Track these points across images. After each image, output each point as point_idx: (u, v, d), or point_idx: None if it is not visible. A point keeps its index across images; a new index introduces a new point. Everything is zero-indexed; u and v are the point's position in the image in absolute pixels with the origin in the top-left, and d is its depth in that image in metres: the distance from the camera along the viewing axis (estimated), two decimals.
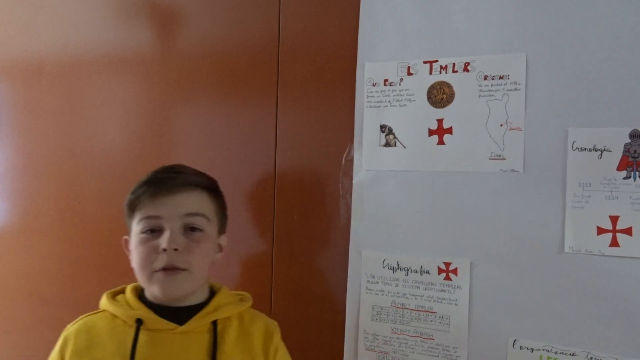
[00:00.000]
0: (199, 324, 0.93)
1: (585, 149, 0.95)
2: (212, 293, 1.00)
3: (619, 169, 0.93)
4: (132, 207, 0.94)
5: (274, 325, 1.00)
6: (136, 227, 0.93)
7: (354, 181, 1.12)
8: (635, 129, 0.92)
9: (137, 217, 0.93)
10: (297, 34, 1.18)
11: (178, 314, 0.92)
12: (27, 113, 1.51)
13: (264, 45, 1.21)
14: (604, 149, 0.93)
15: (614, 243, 0.93)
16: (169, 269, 0.89)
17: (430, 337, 1.06)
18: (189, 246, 0.91)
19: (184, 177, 0.94)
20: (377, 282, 1.10)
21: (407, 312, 1.08)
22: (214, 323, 0.94)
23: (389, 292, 1.09)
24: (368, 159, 1.11)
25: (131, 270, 1.34)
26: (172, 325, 0.91)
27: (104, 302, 0.97)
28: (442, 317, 1.05)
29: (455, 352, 1.03)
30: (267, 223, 1.20)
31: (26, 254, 1.52)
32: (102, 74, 1.41)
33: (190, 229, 0.92)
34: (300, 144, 1.18)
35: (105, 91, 1.41)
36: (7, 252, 1.56)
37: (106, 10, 1.40)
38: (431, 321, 1.06)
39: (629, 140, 0.92)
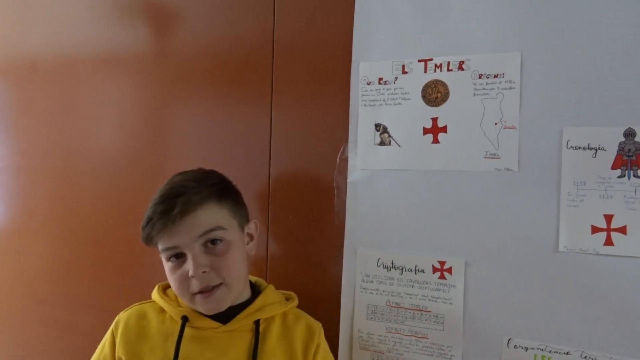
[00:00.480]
0: (242, 323, 0.95)
1: (579, 147, 0.94)
2: (257, 291, 1.02)
3: (614, 167, 0.93)
4: (148, 242, 0.94)
5: (317, 325, 1.01)
6: (162, 255, 0.95)
7: (349, 180, 1.11)
8: (629, 128, 0.92)
9: (159, 247, 0.94)
10: (292, 33, 1.17)
11: (223, 313, 0.95)
12: (20, 112, 1.51)
13: (258, 45, 1.20)
14: (599, 148, 0.93)
15: (609, 242, 0.93)
16: (206, 291, 0.92)
17: (425, 336, 1.05)
18: (215, 262, 0.92)
19: (186, 202, 0.91)
20: (372, 281, 1.10)
21: (402, 311, 1.07)
22: (257, 322, 0.96)
23: (383, 291, 1.09)
24: (363, 158, 1.10)
25: (127, 268, 1.35)
26: (215, 324, 0.95)
27: (155, 294, 1.01)
28: (437, 316, 1.04)
29: (450, 351, 1.03)
30: (262, 222, 1.19)
31: (20, 253, 1.51)
32: (96, 73, 1.40)
33: (211, 243, 0.93)
34: (294, 143, 1.17)
35: (98, 90, 1.40)
36: (1, 251, 1.55)
37: (99, 9, 1.39)
38: (426, 320, 1.05)
39: (623, 139, 0.92)
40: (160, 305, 1.00)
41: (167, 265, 0.95)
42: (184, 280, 0.92)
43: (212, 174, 1.01)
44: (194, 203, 0.91)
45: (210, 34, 1.26)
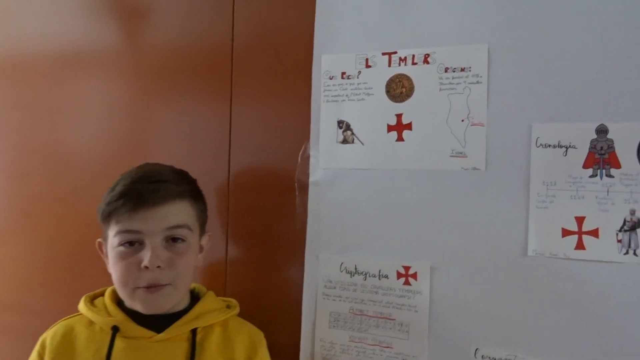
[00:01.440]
0: (178, 332, 0.89)
1: (549, 145, 0.89)
2: (196, 298, 0.96)
3: (585, 166, 0.88)
4: (107, 218, 0.88)
5: (259, 336, 0.96)
6: (113, 239, 0.88)
7: (311, 180, 1.06)
8: (602, 124, 0.87)
9: (114, 228, 0.87)
10: (252, 25, 1.12)
11: (158, 321, 0.89)
12: None
13: (217, 37, 1.14)
14: (569, 146, 0.88)
15: (580, 246, 0.88)
16: (153, 287, 0.86)
17: (390, 345, 1.00)
18: (173, 260, 0.87)
19: (166, 189, 0.88)
20: (335, 287, 1.04)
21: (366, 319, 1.02)
22: (194, 331, 0.90)
23: (346, 298, 1.03)
24: (325, 156, 1.05)
25: (87, 272, 1.29)
26: (149, 333, 0.88)
27: (82, 306, 0.94)
28: (402, 325, 0.99)
29: None
30: (221, 225, 1.14)
31: None
32: (64, 70, 1.34)
33: (172, 240, 0.88)
34: (255, 140, 1.12)
35: (67, 88, 1.33)
36: None
37: (59, 8, 1.33)
38: (390, 329, 1.00)
39: (595, 136, 0.87)
40: (88, 318, 0.92)
41: (115, 251, 0.88)
42: (133, 270, 0.86)
43: (187, 173, 0.97)
44: (173, 193, 0.88)
45: (168, 29, 1.20)
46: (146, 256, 0.85)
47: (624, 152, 0.85)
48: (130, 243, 0.87)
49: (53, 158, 1.34)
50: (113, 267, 0.89)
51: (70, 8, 1.32)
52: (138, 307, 0.89)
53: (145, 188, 0.87)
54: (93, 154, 1.29)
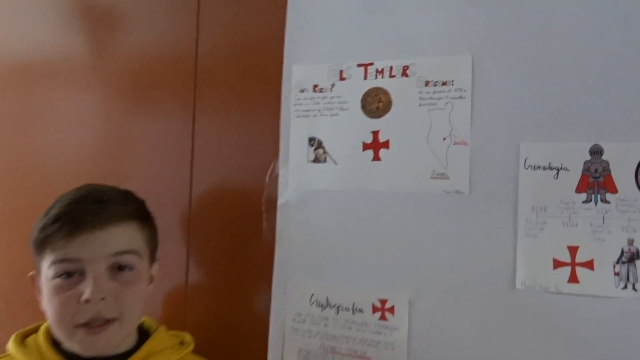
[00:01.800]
0: None
1: (539, 167, 0.81)
2: (146, 334, 0.85)
3: (578, 190, 0.80)
4: (41, 247, 0.77)
5: None
6: (48, 270, 0.77)
7: (279, 202, 0.97)
8: (596, 144, 0.79)
9: (49, 258, 0.76)
10: (218, 32, 1.04)
11: None
12: None
13: (179, 46, 1.06)
14: (561, 168, 0.80)
15: (573, 278, 0.79)
16: (96, 325, 0.75)
17: None
18: (119, 291, 0.77)
19: (110, 209, 0.78)
20: (304, 321, 0.94)
21: (338, 357, 0.92)
22: None
23: (317, 333, 0.93)
24: (295, 176, 0.96)
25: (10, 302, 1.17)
26: None
27: (11, 345, 0.81)
28: None
29: None
30: (181, 251, 1.04)
31: None
32: (22, 80, 1.24)
33: (118, 268, 0.78)
34: (219, 158, 1.03)
35: (31, 98, 1.23)
36: None
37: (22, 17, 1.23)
38: None
39: (589, 158, 0.79)
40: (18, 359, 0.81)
41: (50, 284, 0.77)
42: (71, 305, 0.75)
43: (133, 192, 0.87)
44: (119, 214, 0.78)
45: (132, 36, 1.12)
46: (87, 288, 0.74)
47: (620, 175, 0.77)
48: (68, 274, 0.76)
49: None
50: (48, 304, 0.78)
51: (33, 18, 1.23)
52: (77, 348, 0.78)
53: (85, 209, 0.77)
54: (50, 169, 1.19)
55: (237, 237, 1.01)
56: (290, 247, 0.96)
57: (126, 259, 0.78)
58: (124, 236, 0.79)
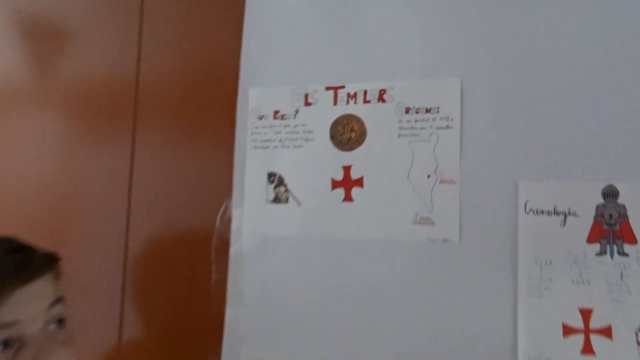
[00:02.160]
0: None
1: (542, 211, 0.71)
2: None
3: (590, 240, 0.69)
4: None
5: None
6: None
7: (232, 250, 0.85)
8: (610, 185, 0.69)
9: None
10: (162, 51, 0.94)
11: None
12: None
13: (119, 66, 0.95)
14: (569, 213, 0.70)
15: (588, 349, 0.68)
16: None
17: None
18: (63, 356, 0.64)
19: (39, 257, 0.67)
20: None
21: None
22: None
23: None
24: (251, 219, 0.85)
25: None
26: None
27: None
28: None
29: None
30: (114, 307, 0.90)
31: None
32: None
33: (56, 323, 0.65)
34: (161, 196, 0.91)
35: None
36: None
37: None
38: None
39: (602, 201, 0.69)
40: None
41: None
42: None
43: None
44: (46, 262, 0.68)
45: (72, 59, 1.01)
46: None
47: None
48: (5, 344, 0.61)
49: None
50: None
51: None
52: None
53: (22, 259, 0.65)
54: None
55: (180, 293, 0.88)
56: (243, 307, 0.83)
57: (60, 310, 0.66)
58: (51, 284, 0.67)
